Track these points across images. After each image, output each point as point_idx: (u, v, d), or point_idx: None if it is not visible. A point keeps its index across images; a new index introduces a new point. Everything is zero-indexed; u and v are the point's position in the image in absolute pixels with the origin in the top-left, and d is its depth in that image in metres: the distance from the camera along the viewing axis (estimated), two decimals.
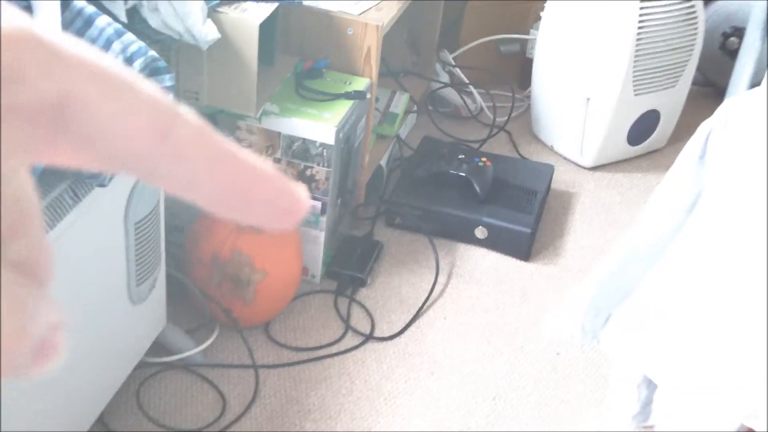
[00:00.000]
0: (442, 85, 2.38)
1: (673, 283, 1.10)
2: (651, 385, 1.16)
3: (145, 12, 1.55)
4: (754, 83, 1.94)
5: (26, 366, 0.21)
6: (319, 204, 1.72)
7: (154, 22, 1.55)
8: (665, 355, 1.06)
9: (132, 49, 1.25)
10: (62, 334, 0.22)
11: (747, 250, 1.03)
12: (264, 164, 0.23)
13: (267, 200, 0.23)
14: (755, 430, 1.04)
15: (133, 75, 0.22)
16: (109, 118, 0.21)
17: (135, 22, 1.56)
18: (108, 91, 0.21)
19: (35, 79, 0.20)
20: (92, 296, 1.29)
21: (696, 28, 2.24)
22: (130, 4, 1.53)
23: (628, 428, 1.18)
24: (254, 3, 1.63)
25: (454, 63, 2.42)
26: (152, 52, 1.29)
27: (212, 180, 0.23)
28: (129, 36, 1.27)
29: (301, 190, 0.24)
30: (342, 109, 1.72)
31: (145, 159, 0.22)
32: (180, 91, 1.67)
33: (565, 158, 2.32)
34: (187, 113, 0.22)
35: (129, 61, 1.26)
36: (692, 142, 1.16)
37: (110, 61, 0.22)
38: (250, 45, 1.60)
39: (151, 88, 0.22)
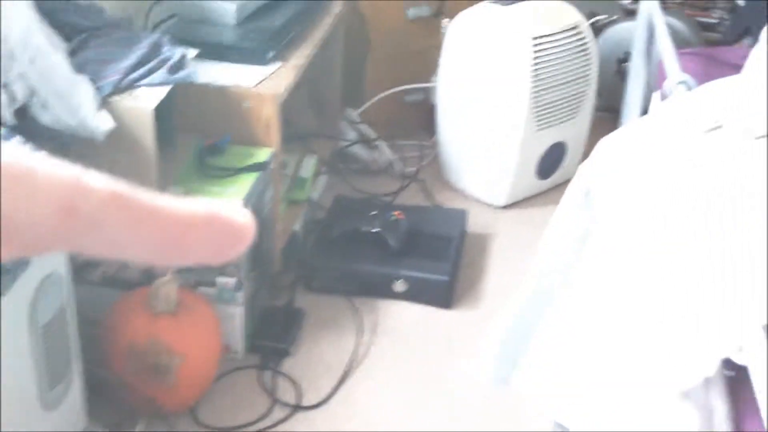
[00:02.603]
0: (349, 142, 2.41)
1: (569, 318, 1.13)
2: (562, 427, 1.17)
3: (35, 109, 1.54)
4: (646, 106, 2.00)
5: None
6: (233, 281, 1.71)
7: (45, 118, 1.54)
8: (570, 397, 1.08)
9: None
10: None
11: (634, 282, 1.06)
12: (195, 209, 0.24)
13: (203, 244, 0.24)
14: None
15: (29, 161, 0.23)
16: (14, 211, 0.22)
17: (27, 121, 1.56)
18: (6, 186, 0.22)
19: None
20: None
21: (589, 58, 2.31)
22: (19, 103, 1.52)
23: None
24: (147, 88, 1.64)
25: (359, 120, 2.46)
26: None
27: (137, 239, 0.23)
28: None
29: (240, 217, 0.24)
30: (247, 182, 1.73)
31: (62, 238, 0.23)
32: None
33: (478, 200, 2.35)
34: (95, 181, 0.23)
35: None
36: (575, 181, 1.19)
37: (5, 155, 0.22)
38: (146, 131, 1.61)
39: (47, 169, 0.23)
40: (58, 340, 1.40)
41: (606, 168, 1.20)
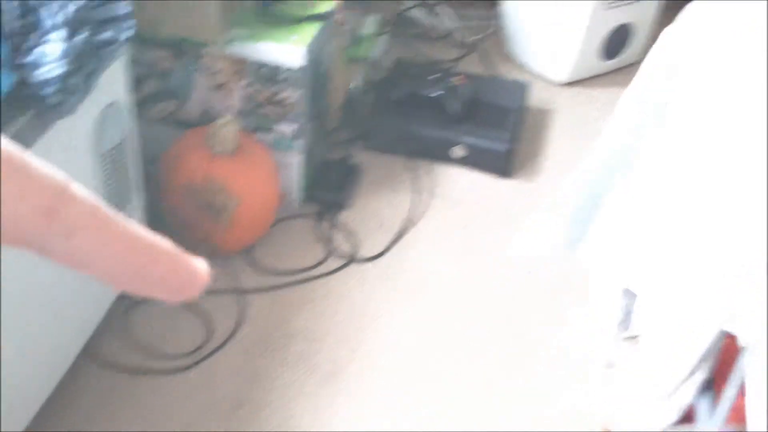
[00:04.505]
0: (411, 5, 2.34)
1: (645, 190, 1.10)
2: (628, 294, 1.15)
3: None
4: None
5: None
6: (290, 128, 1.69)
7: None
8: (640, 264, 1.05)
9: None
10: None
11: (715, 157, 1.02)
12: (161, 241, 0.25)
13: (162, 277, 0.25)
14: (733, 333, 1.04)
15: (20, 157, 0.23)
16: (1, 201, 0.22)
17: None
18: (2, 176, 0.22)
19: None
20: None
21: None
22: None
23: (614, 337, 1.18)
24: None
25: None
26: None
27: (106, 257, 0.24)
28: None
29: (199, 265, 0.26)
30: (309, 31, 1.68)
31: (37, 238, 0.23)
32: (143, 20, 1.62)
33: (539, 76, 2.29)
34: (80, 193, 0.24)
35: None
36: (655, 49, 1.14)
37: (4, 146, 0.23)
38: None
39: (41, 169, 0.23)
40: (120, 169, 1.39)
41: (688, 38, 1.15)
